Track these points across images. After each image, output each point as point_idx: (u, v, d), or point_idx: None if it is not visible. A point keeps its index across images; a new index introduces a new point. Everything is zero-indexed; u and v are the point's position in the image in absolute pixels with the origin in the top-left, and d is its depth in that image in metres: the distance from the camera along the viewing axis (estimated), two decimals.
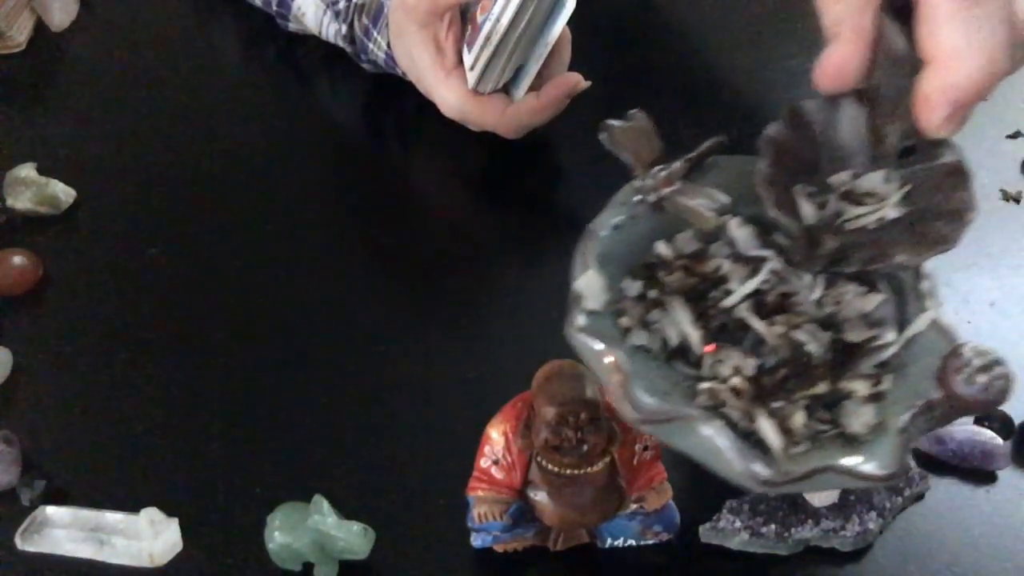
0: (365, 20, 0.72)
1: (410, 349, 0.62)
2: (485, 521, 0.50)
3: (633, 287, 0.40)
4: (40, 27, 0.83)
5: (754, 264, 0.40)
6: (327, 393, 0.60)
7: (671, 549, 0.53)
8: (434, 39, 0.67)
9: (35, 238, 0.68)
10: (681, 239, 0.41)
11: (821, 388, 0.37)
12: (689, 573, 0.53)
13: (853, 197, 0.39)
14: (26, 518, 0.54)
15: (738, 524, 0.52)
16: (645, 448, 0.49)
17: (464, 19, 0.67)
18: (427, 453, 0.57)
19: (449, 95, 0.68)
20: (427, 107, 0.72)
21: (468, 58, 0.66)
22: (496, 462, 0.49)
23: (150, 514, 0.53)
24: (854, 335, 0.39)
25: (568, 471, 0.47)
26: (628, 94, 0.78)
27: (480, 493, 0.50)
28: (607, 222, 0.41)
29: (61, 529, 0.54)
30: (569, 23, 0.64)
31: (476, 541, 0.52)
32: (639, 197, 0.41)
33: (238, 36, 0.83)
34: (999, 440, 0.56)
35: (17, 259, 0.65)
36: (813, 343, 0.38)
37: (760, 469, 0.35)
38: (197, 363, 0.62)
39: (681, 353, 0.39)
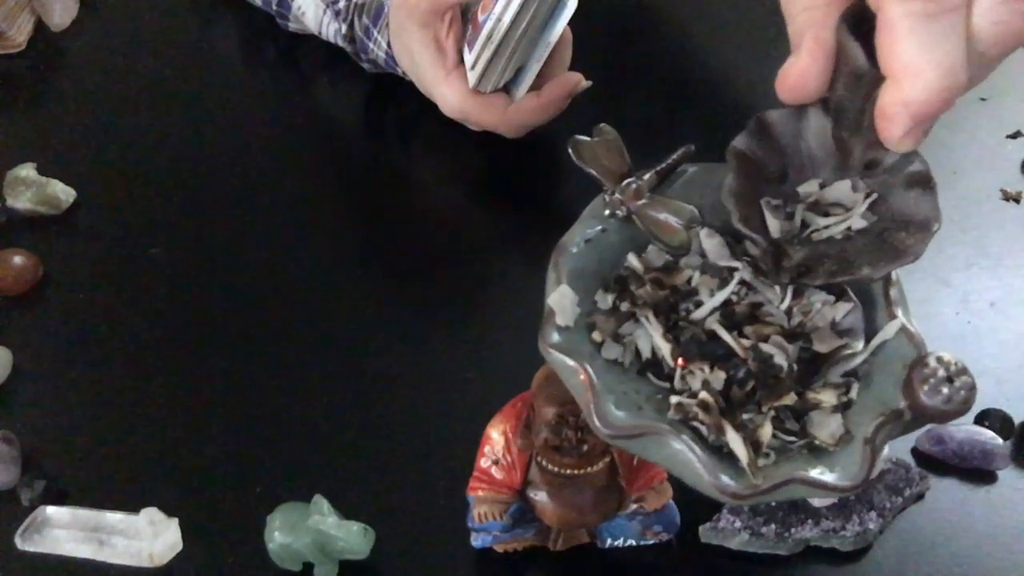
0: (365, 19, 0.72)
1: (410, 349, 0.62)
2: (485, 521, 0.50)
3: (605, 300, 0.40)
4: (40, 27, 0.83)
5: (724, 275, 0.40)
6: (327, 393, 0.60)
7: (671, 549, 0.53)
8: (435, 38, 0.67)
9: (35, 238, 0.68)
10: (652, 252, 0.41)
11: (789, 399, 0.38)
12: (689, 573, 0.53)
13: (820, 208, 0.39)
14: (26, 518, 0.54)
15: (738, 524, 0.52)
16: None
17: (465, 18, 0.67)
18: (427, 453, 0.57)
19: (449, 94, 0.68)
20: (427, 107, 0.72)
21: (469, 57, 0.66)
22: (496, 462, 0.49)
23: (150, 514, 0.53)
24: (823, 345, 0.39)
25: (568, 471, 0.47)
26: (628, 94, 0.78)
27: (480, 493, 0.50)
28: (578, 236, 0.41)
29: (61, 529, 0.54)
30: (569, 23, 0.65)
31: (476, 541, 0.52)
32: (609, 211, 0.42)
33: (238, 36, 0.83)
34: (999, 440, 0.56)
35: (17, 259, 0.65)
36: (781, 355, 0.38)
37: (728, 482, 0.35)
38: (197, 363, 0.62)
39: (653, 366, 0.39)
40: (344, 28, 0.74)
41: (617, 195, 0.41)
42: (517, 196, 0.72)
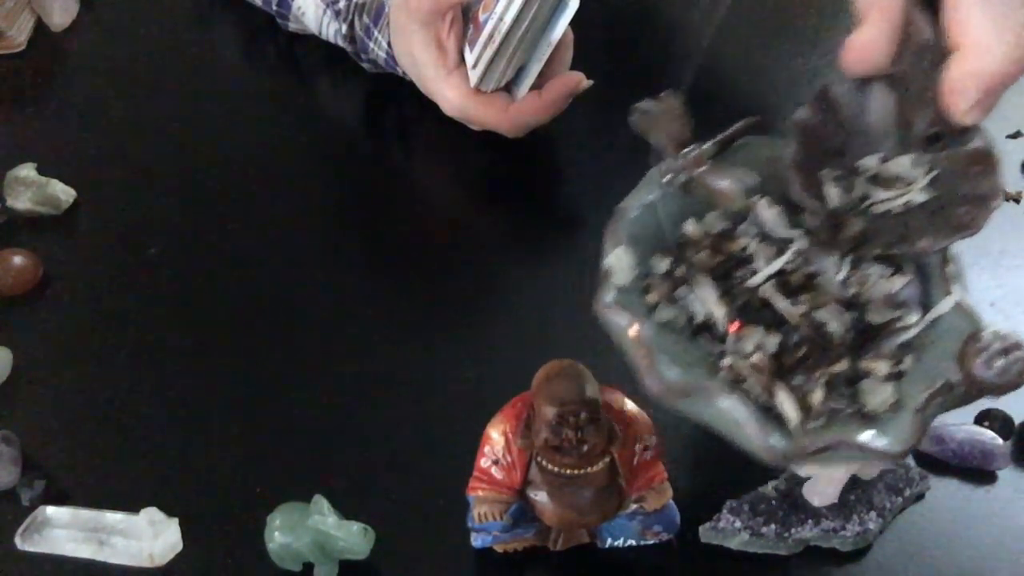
0: (366, 19, 0.72)
1: (410, 349, 0.62)
2: (485, 521, 0.50)
3: (661, 264, 0.42)
4: (40, 27, 0.83)
5: (781, 244, 0.41)
6: (327, 393, 0.60)
7: (671, 549, 0.53)
8: (436, 38, 0.67)
9: (35, 238, 0.68)
10: (710, 219, 0.43)
11: (841, 367, 0.39)
12: (689, 573, 0.53)
13: (880, 181, 0.40)
14: (26, 518, 0.54)
15: (738, 524, 0.52)
16: (645, 448, 0.49)
17: (466, 18, 0.67)
18: (427, 453, 0.57)
19: (451, 94, 0.68)
20: (427, 107, 0.72)
21: (470, 57, 0.66)
22: (496, 462, 0.49)
23: (150, 514, 0.53)
24: (877, 316, 0.40)
25: (568, 471, 0.47)
26: (628, 94, 0.78)
27: (480, 493, 0.50)
28: (638, 201, 0.43)
29: (61, 529, 0.54)
30: (571, 23, 0.64)
31: (476, 541, 0.52)
32: (669, 177, 0.42)
33: (238, 36, 0.83)
34: (999, 440, 0.56)
35: (17, 259, 0.65)
36: (835, 323, 0.39)
37: (777, 442, 0.36)
38: (197, 363, 0.62)
39: (706, 329, 0.40)
40: (344, 28, 0.74)
41: (679, 161, 0.42)
42: (517, 196, 0.72)
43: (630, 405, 0.50)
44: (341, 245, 0.69)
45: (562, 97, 0.68)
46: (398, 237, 0.69)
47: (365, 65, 0.76)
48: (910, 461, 0.56)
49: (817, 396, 0.38)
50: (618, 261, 0.40)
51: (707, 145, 0.42)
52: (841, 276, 0.40)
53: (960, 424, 0.57)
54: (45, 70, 0.81)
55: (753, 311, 0.40)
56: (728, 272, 0.41)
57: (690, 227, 0.42)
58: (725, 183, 0.40)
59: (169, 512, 0.53)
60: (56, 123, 0.77)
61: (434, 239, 0.69)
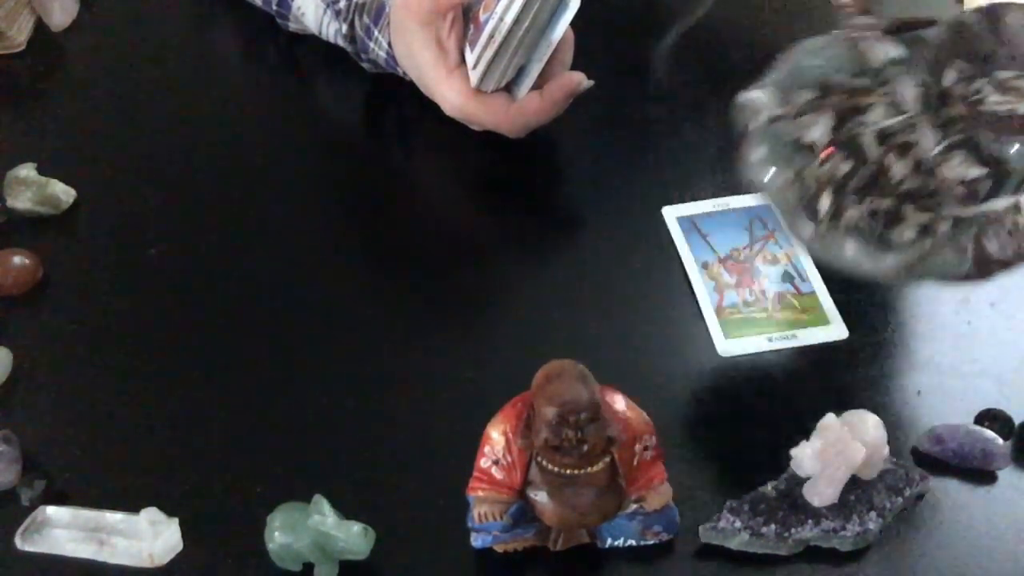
0: (366, 19, 0.72)
1: (410, 349, 0.62)
2: (485, 521, 0.50)
3: (803, 95, 0.51)
4: (40, 27, 0.83)
5: (901, 115, 0.49)
6: (327, 393, 0.60)
7: (671, 549, 0.53)
8: (436, 38, 0.67)
9: (35, 238, 0.68)
10: (857, 76, 0.51)
11: (886, 203, 0.48)
12: (689, 573, 0.53)
13: (1001, 87, 0.45)
14: (26, 518, 0.54)
15: (738, 524, 0.52)
16: (645, 448, 0.50)
17: (466, 18, 0.67)
18: (427, 453, 0.57)
19: (451, 94, 0.68)
20: (427, 107, 0.72)
21: (471, 57, 0.66)
22: (496, 462, 0.49)
23: (150, 514, 0.53)
24: (940, 186, 0.48)
25: (568, 471, 0.47)
26: (628, 94, 0.78)
27: (480, 493, 0.50)
28: (810, 42, 0.52)
29: (61, 529, 0.53)
30: (571, 23, 0.64)
31: (476, 541, 0.52)
32: (849, 32, 0.51)
33: (238, 36, 0.83)
34: (999, 440, 0.56)
35: (17, 259, 0.65)
36: (898, 170, 0.48)
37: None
38: (197, 363, 0.62)
39: (809, 149, 0.50)
40: (344, 28, 0.74)
41: (860, 20, 0.51)
42: (517, 196, 0.72)
43: (630, 405, 0.50)
44: (341, 245, 0.69)
45: (563, 97, 0.68)
46: (398, 237, 0.69)
47: (365, 65, 0.76)
48: (910, 461, 0.56)
49: (852, 212, 0.48)
50: (761, 98, 0.51)
51: (886, 19, 0.51)
52: (933, 152, 0.47)
53: (960, 424, 0.57)
54: (45, 70, 0.81)
55: (849, 148, 0.48)
56: (847, 116, 0.49)
57: (839, 76, 0.50)
58: (883, 49, 0.50)
59: (169, 512, 0.53)
60: (56, 123, 0.77)
61: (434, 239, 0.69)
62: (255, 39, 0.82)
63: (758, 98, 0.51)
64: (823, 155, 0.48)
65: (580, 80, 0.68)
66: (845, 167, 0.48)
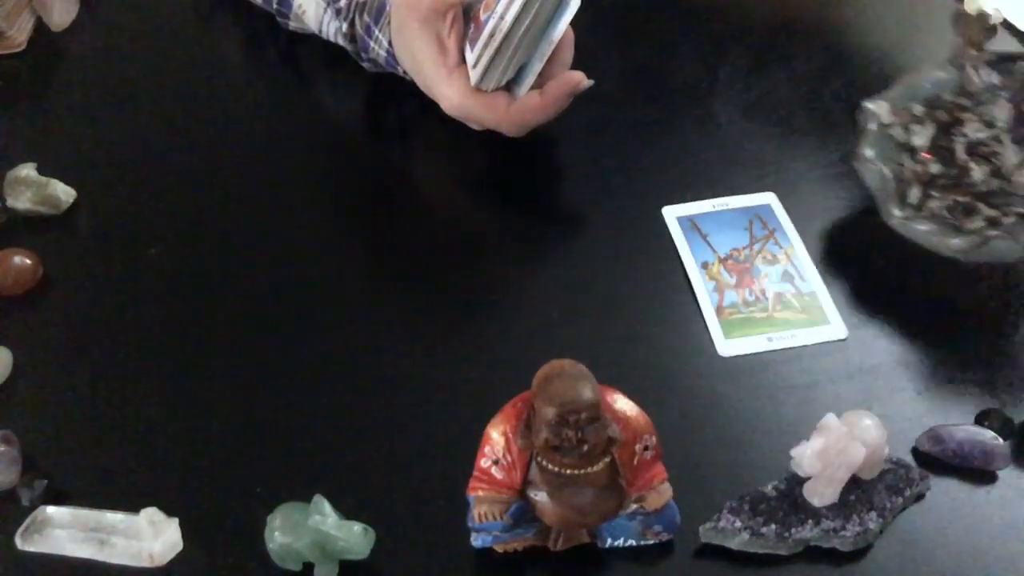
0: (367, 18, 0.72)
1: (410, 349, 0.62)
2: (485, 521, 0.50)
3: (917, 108, 0.64)
4: (40, 27, 0.83)
5: (990, 131, 0.61)
6: (327, 393, 0.60)
7: (671, 549, 0.53)
8: (437, 37, 0.67)
9: (35, 238, 0.68)
10: (961, 97, 0.63)
11: (963, 197, 0.60)
12: (689, 573, 0.53)
13: None
14: (26, 518, 0.54)
15: (738, 524, 0.52)
16: (645, 448, 0.50)
17: (467, 17, 0.67)
18: (427, 453, 0.57)
19: (451, 93, 0.68)
20: (427, 107, 0.72)
21: (471, 56, 0.66)
22: (496, 462, 0.49)
23: (150, 514, 0.53)
24: (1014, 189, 0.60)
25: (568, 471, 0.47)
26: (628, 94, 0.78)
27: (480, 493, 0.50)
28: (927, 68, 0.66)
29: (61, 529, 0.53)
30: (572, 22, 0.64)
31: (476, 541, 0.52)
32: (961, 61, 0.64)
33: (238, 36, 0.83)
34: (999, 440, 0.56)
35: (17, 259, 0.65)
36: (977, 174, 0.60)
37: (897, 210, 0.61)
38: (197, 363, 0.62)
39: (911, 151, 0.63)
40: (345, 26, 0.74)
41: (973, 54, 0.65)
42: (517, 196, 0.72)
43: (630, 405, 0.50)
44: (341, 245, 0.69)
45: (563, 97, 0.68)
46: (398, 237, 0.69)
47: (365, 64, 0.76)
48: (910, 461, 0.56)
49: (934, 203, 0.60)
50: (879, 108, 0.63)
51: (995, 55, 0.64)
52: (1011, 162, 0.60)
53: (960, 424, 0.57)
54: (45, 70, 0.81)
55: (943, 154, 0.61)
56: (946, 128, 0.63)
57: (946, 95, 0.63)
58: (985, 76, 0.63)
59: (169, 512, 0.53)
60: (56, 123, 0.77)
61: (434, 239, 0.69)
62: (255, 39, 0.82)
63: (879, 107, 0.63)
64: (922, 156, 0.60)
65: (580, 79, 0.68)
66: (936, 168, 0.60)
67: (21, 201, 0.69)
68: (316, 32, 0.77)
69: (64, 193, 0.70)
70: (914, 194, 0.60)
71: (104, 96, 0.79)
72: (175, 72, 0.81)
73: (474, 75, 0.67)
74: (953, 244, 0.58)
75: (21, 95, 0.79)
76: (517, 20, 0.62)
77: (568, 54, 0.69)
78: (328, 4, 0.74)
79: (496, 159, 0.73)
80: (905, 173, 0.61)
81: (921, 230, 0.60)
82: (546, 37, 0.65)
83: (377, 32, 0.72)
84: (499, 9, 0.63)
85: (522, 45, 0.64)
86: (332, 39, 0.76)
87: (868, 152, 0.62)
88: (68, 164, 0.72)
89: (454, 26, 0.67)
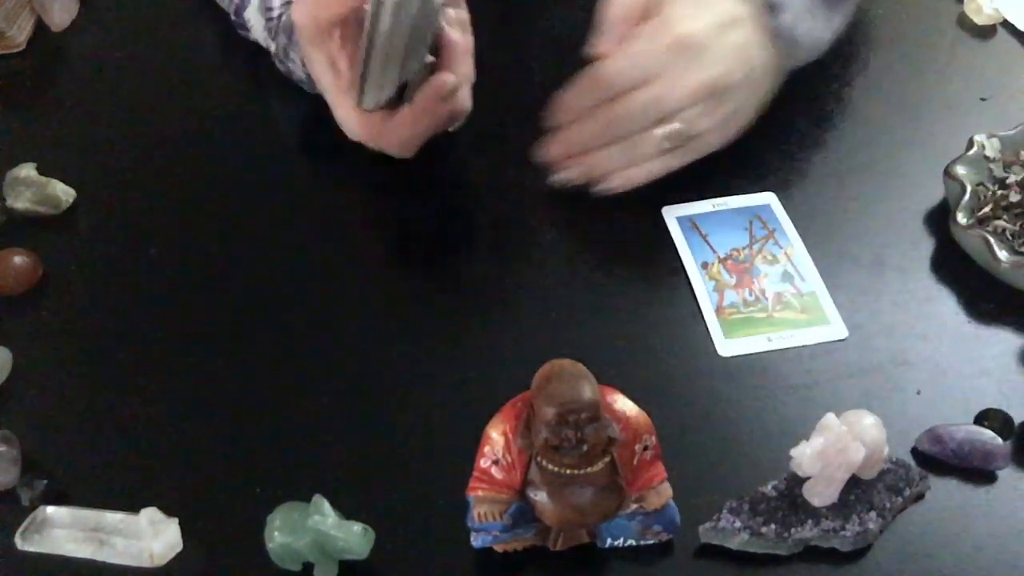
0: (283, 37, 0.68)
1: (410, 349, 0.62)
2: (485, 521, 0.50)
3: (997, 168, 0.68)
4: (40, 27, 0.83)
5: None
6: (328, 393, 0.60)
7: (671, 549, 0.53)
8: (328, 57, 0.62)
9: (35, 238, 0.68)
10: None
11: (1009, 225, 0.65)
12: (689, 573, 0.53)
13: None
14: (26, 518, 0.54)
15: (738, 524, 0.52)
16: (645, 448, 0.50)
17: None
18: (427, 453, 0.57)
19: (341, 115, 0.64)
20: None
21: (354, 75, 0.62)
22: (496, 462, 0.49)
23: (150, 514, 0.53)
24: None
25: (568, 471, 0.47)
26: None
27: (480, 493, 0.50)
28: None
29: (61, 529, 0.54)
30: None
31: (476, 541, 0.52)
32: None
33: (238, 36, 0.83)
34: (999, 440, 0.56)
35: (17, 259, 0.65)
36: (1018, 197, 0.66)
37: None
38: (197, 363, 0.62)
39: (1002, 184, 0.67)
40: (273, 47, 0.70)
41: None
42: (517, 196, 0.72)
43: (630, 405, 0.50)
44: (341, 245, 0.69)
45: (431, 103, 0.62)
46: (398, 237, 0.69)
47: (304, 86, 0.71)
48: (910, 461, 0.56)
49: (998, 223, 0.64)
50: (990, 144, 0.68)
51: None
52: None
53: (960, 424, 0.57)
54: (45, 70, 0.81)
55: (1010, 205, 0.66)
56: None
57: (1013, 177, 0.67)
58: None
59: (169, 512, 0.53)
60: (56, 123, 0.77)
61: (434, 239, 0.69)
62: (255, 39, 0.81)
63: (990, 143, 0.68)
64: (1011, 185, 0.66)
65: (446, 80, 0.62)
66: (1016, 197, 0.65)
67: (21, 201, 0.69)
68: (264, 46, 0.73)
69: (64, 193, 0.70)
70: (985, 211, 0.65)
71: (104, 96, 0.79)
72: (175, 72, 0.81)
73: (353, 94, 0.62)
74: (1001, 256, 0.62)
75: (21, 95, 0.79)
76: (374, 29, 0.58)
77: (465, 67, 0.65)
78: (266, 21, 0.69)
79: (495, 159, 0.73)
80: (980, 192, 0.66)
81: (976, 240, 0.63)
82: (417, 50, 0.60)
83: (292, 52, 0.69)
84: (366, 23, 0.58)
85: (391, 58, 0.59)
86: (276, 55, 0.72)
87: (960, 170, 0.66)
88: (68, 164, 0.72)
89: (344, 45, 0.61)
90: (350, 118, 0.64)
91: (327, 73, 0.63)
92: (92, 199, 0.71)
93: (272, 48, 0.73)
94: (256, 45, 0.77)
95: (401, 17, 0.57)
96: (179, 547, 0.53)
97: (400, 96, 0.63)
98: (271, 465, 0.57)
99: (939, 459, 0.56)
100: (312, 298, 0.65)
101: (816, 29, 0.70)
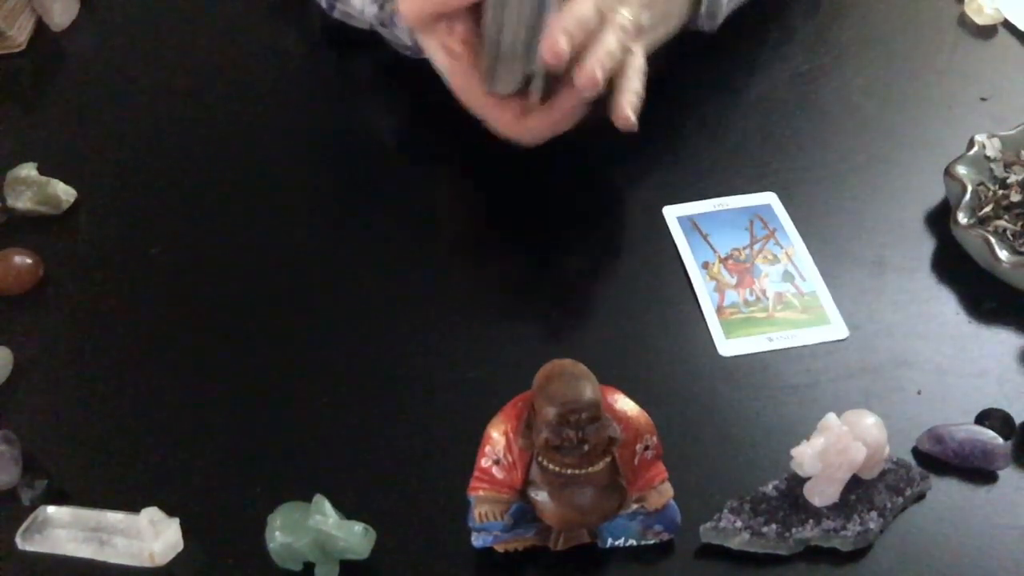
0: (391, 6, 0.70)
1: (411, 349, 0.62)
2: (486, 521, 0.50)
3: (998, 169, 0.68)
4: (40, 27, 0.83)
5: None
6: (328, 393, 0.60)
7: (671, 549, 0.53)
8: (441, 45, 0.64)
9: (35, 238, 0.68)
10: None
11: (1010, 225, 0.65)
12: (689, 573, 0.53)
13: None
14: (27, 518, 0.54)
15: (738, 524, 0.52)
16: (646, 448, 0.50)
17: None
18: (427, 453, 0.57)
19: (466, 98, 0.65)
20: (427, 107, 0.72)
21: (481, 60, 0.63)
22: (497, 462, 0.49)
23: (150, 514, 0.53)
24: None
25: (569, 471, 0.47)
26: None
27: (481, 493, 0.50)
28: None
29: (62, 529, 0.54)
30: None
31: (477, 541, 0.52)
32: None
33: (237, 35, 0.83)
34: (999, 440, 0.56)
35: (17, 259, 0.65)
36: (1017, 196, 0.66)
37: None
38: (197, 363, 0.62)
39: (1003, 184, 0.67)
40: (375, 10, 0.72)
41: None
42: (517, 196, 0.72)
43: (630, 405, 0.50)
44: (342, 245, 0.69)
45: (570, 108, 0.64)
46: (399, 237, 0.69)
47: (407, 52, 0.73)
48: (911, 461, 0.56)
49: (999, 222, 0.65)
50: (991, 143, 0.68)
51: None
52: None
53: (960, 424, 0.57)
54: (45, 70, 0.81)
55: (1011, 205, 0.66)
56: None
57: (1014, 177, 0.67)
58: None
59: (169, 512, 0.53)
60: (56, 123, 0.77)
61: (434, 239, 0.69)
62: (255, 38, 0.82)
63: (990, 143, 0.68)
64: (1011, 185, 0.66)
65: (584, 85, 0.62)
66: (1017, 197, 0.65)
67: (21, 201, 0.69)
68: (358, 15, 0.75)
69: (64, 193, 0.70)
70: (986, 211, 0.65)
71: (104, 96, 0.79)
72: (175, 72, 0.81)
73: (480, 78, 0.64)
74: (1002, 256, 0.62)
75: (21, 95, 0.79)
76: (495, 25, 0.60)
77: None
78: None
79: (497, 159, 0.72)
80: (981, 192, 0.66)
81: (976, 240, 0.63)
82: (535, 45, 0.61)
83: (397, 19, 0.70)
84: (486, 19, 0.60)
85: (515, 52, 0.61)
86: (370, 24, 0.74)
87: (961, 170, 0.66)
88: (68, 164, 0.72)
89: (453, 31, 0.63)
90: (477, 100, 0.65)
91: (440, 56, 0.65)
92: (92, 199, 0.71)
93: (369, 14, 0.74)
94: (258, 45, 0.77)
95: (510, 12, 0.60)
96: (180, 547, 0.53)
97: (527, 82, 0.64)
98: (272, 465, 0.57)
99: (940, 459, 0.56)
100: (312, 298, 0.65)
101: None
